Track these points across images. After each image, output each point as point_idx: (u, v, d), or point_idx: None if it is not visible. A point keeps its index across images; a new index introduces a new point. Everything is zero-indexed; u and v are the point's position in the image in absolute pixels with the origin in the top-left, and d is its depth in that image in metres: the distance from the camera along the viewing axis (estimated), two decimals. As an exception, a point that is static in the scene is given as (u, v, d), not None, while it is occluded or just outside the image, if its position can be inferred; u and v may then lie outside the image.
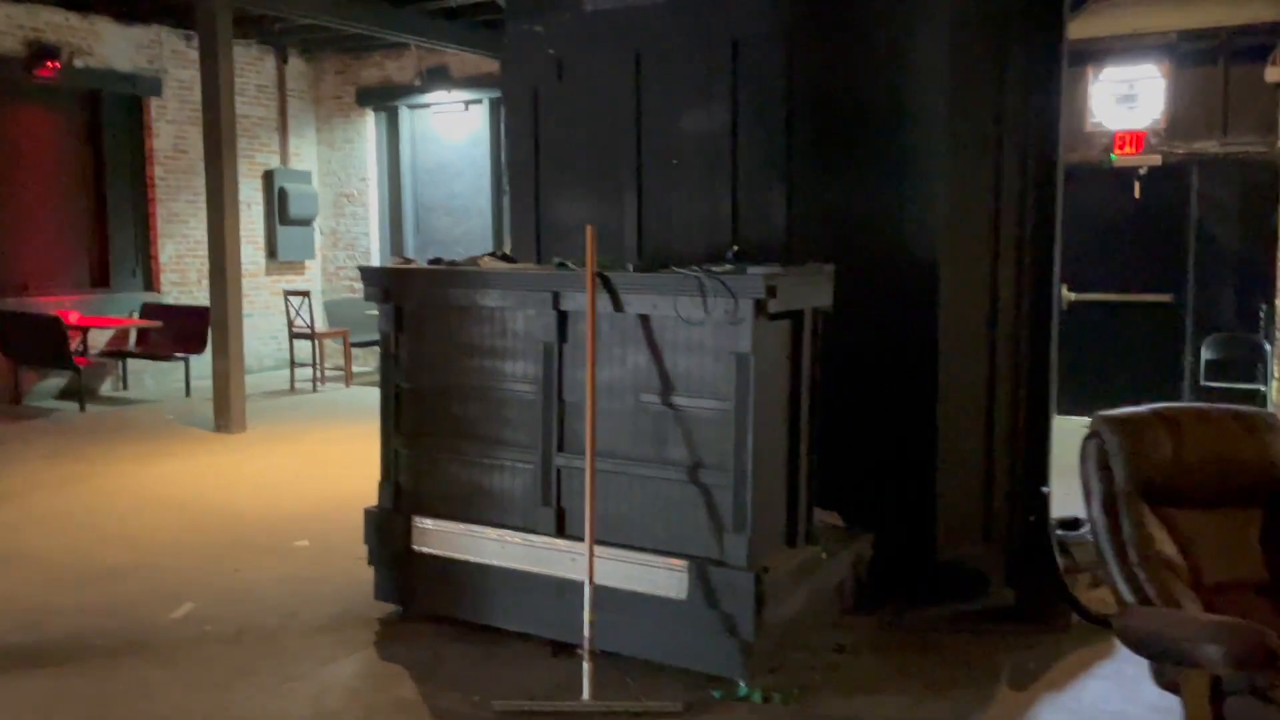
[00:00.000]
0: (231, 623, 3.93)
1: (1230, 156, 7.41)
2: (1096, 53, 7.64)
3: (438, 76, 10.37)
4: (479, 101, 10.23)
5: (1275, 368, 7.21)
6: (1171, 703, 2.46)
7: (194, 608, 4.10)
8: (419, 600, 3.91)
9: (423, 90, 10.51)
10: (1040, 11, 4.38)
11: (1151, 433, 2.88)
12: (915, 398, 4.04)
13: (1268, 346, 7.27)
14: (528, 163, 4.80)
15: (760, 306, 3.15)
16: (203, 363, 8.22)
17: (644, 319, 3.39)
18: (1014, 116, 4.30)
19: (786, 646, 3.47)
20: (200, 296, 9.11)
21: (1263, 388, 7.23)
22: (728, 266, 3.37)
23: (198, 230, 9.38)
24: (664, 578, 3.32)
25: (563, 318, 3.52)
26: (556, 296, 3.51)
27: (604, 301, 3.39)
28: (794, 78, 4.18)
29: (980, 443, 4.26)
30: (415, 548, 3.84)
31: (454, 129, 10.54)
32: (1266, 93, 7.25)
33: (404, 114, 10.83)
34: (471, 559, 3.72)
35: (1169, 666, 2.52)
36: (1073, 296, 7.78)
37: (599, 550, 3.31)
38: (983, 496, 4.26)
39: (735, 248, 3.56)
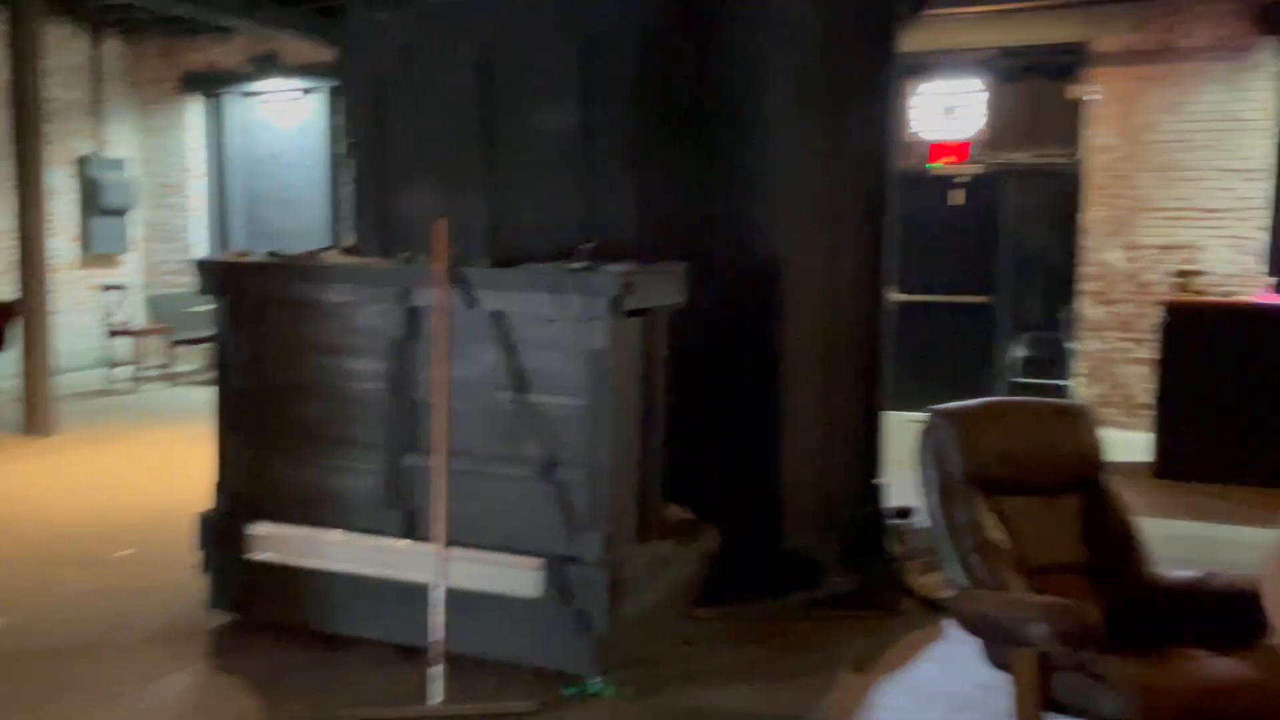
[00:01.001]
0: (50, 637, 3.67)
1: (1039, 167, 7.95)
2: (917, 66, 8.03)
3: (269, 63, 9.95)
4: (315, 90, 9.88)
5: (1077, 365, 7.79)
6: (1002, 680, 2.63)
7: (5, 623, 3.81)
8: (258, 609, 3.75)
9: (253, 77, 10.06)
10: (875, 24, 4.59)
11: (982, 425, 3.07)
12: (760, 394, 4.16)
13: (1071, 345, 7.83)
14: (372, 155, 4.67)
15: (614, 304, 3.17)
16: (7, 361, 7.62)
17: (498, 315, 3.36)
18: (851, 125, 4.47)
19: (640, 641, 3.51)
20: (4, 291, 8.44)
21: (1068, 384, 7.79)
22: (582, 264, 3.38)
23: (2, 220, 8.70)
24: (518, 577, 3.30)
25: (412, 314, 3.45)
26: (406, 292, 3.44)
27: (456, 298, 3.34)
28: (646, 77, 4.22)
29: (820, 437, 4.42)
30: (253, 554, 3.68)
31: (288, 118, 10.14)
32: (1071, 108, 7.80)
33: (233, 101, 10.34)
34: (315, 564, 3.59)
35: (1000, 646, 2.69)
36: (901, 298, 8.16)
37: (451, 551, 3.26)
38: (823, 488, 4.42)
39: (590, 244, 3.56)
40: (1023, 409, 3.21)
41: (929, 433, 3.00)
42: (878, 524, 4.48)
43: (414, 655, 3.36)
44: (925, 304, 8.08)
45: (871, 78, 4.58)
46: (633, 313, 3.35)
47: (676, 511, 3.98)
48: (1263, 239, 7.18)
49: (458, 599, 3.25)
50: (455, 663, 3.21)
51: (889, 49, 4.64)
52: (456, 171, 4.48)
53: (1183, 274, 7.04)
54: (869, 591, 4.12)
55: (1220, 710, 2.31)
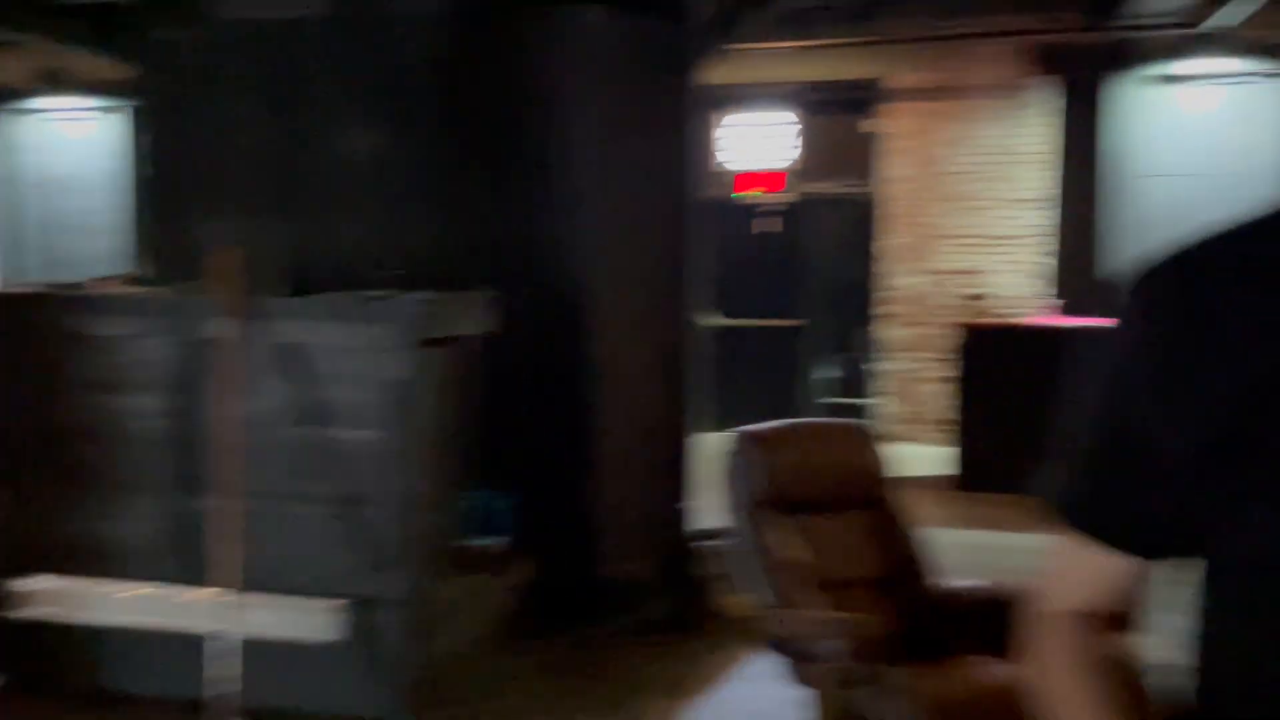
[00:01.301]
0: None
1: (843, 196, 8.32)
2: (723, 99, 8.29)
3: (60, 81, 9.28)
4: (116, 109, 9.28)
5: (878, 385, 8.16)
6: (805, 696, 2.69)
7: None
8: (25, 670, 3.44)
9: (42, 94, 9.37)
10: (675, 57, 4.70)
11: (784, 446, 3.16)
12: (572, 421, 4.15)
13: (872, 366, 8.21)
14: (170, 179, 4.43)
15: (415, 333, 3.10)
16: None
17: (293, 347, 3.22)
18: (654, 153, 4.56)
19: (452, 680, 3.41)
20: None
21: (869, 403, 8.15)
22: (383, 292, 3.29)
23: None
24: (317, 620, 3.15)
25: (198, 347, 3.26)
26: (192, 323, 3.25)
27: (252, 328, 3.18)
28: (451, 103, 4.17)
29: (634, 462, 4.45)
30: (22, 611, 3.37)
31: (84, 139, 9.49)
32: (868, 141, 8.21)
33: (19, 121, 9.59)
34: (93, 619, 3.32)
35: (800, 663, 2.76)
36: (715, 323, 8.37)
37: (246, 598, 3.09)
38: (637, 513, 4.44)
39: (392, 272, 3.48)
40: (817, 430, 3.33)
41: (732, 455, 3.06)
42: (689, 547, 4.53)
43: (205, 710, 3.15)
44: (740, 328, 8.30)
45: (673, 108, 4.68)
46: (436, 341, 3.28)
47: (492, 543, 3.92)
48: (1047, 263, 7.73)
49: (255, 648, 3.08)
50: (255, 716, 3.03)
51: (689, 81, 4.76)
52: (256, 197, 4.29)
53: (972, 297, 7.50)
54: (682, 615, 4.17)
55: (993, 711, 2.43)
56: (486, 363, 3.61)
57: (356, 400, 3.17)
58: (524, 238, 4.20)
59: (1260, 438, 0.70)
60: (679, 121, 4.69)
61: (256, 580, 3.15)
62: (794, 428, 3.27)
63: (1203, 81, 7.26)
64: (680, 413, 4.71)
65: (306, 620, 3.15)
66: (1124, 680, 0.78)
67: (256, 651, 3.09)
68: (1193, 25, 6.81)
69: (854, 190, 8.30)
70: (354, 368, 3.17)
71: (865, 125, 8.20)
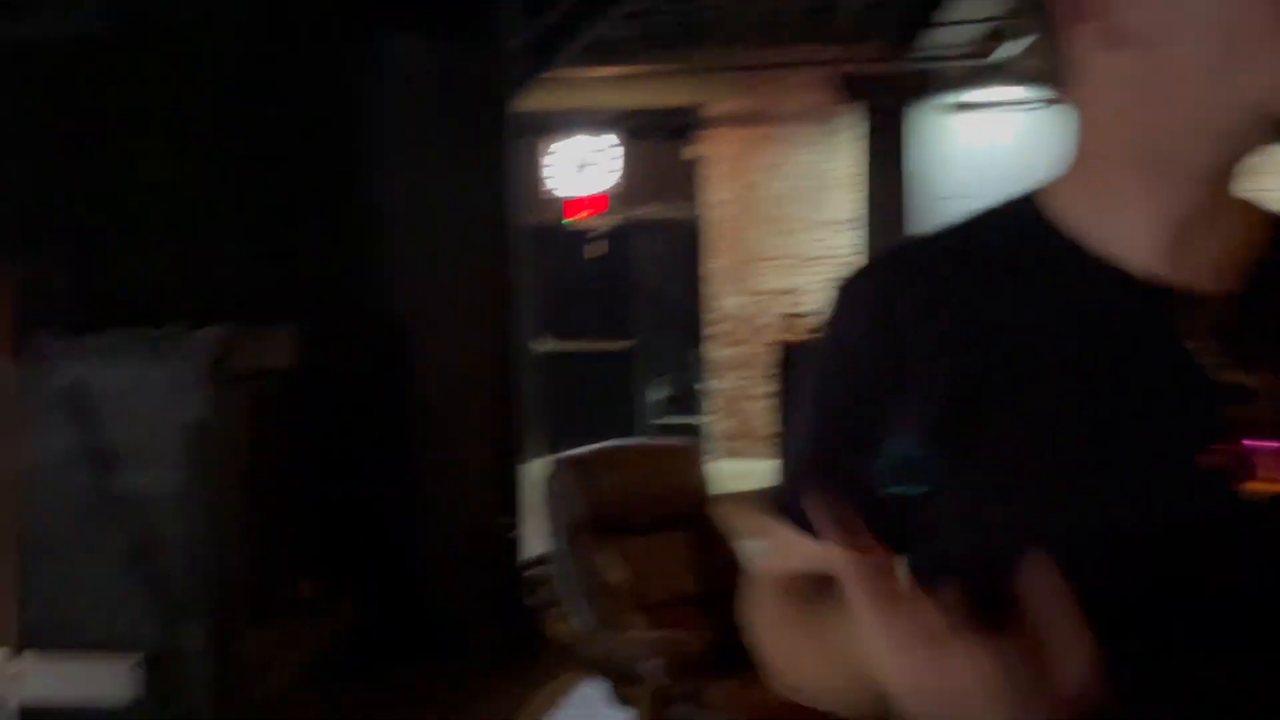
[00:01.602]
0: None
1: (667, 220, 8.46)
2: (549, 124, 8.33)
3: None
4: None
5: (708, 404, 8.32)
6: (628, 718, 2.69)
7: None
8: None
9: None
10: (493, 83, 4.68)
11: (602, 470, 3.16)
12: (393, 454, 4.04)
13: (702, 385, 8.36)
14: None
15: (213, 370, 2.95)
16: None
17: (78, 388, 3.01)
18: (473, 179, 4.52)
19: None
20: None
21: (701, 421, 8.29)
22: (177, 328, 3.12)
23: None
24: (110, 679, 2.94)
25: (-30, 392, 3.01)
26: (-40, 367, 2.99)
27: (29, 368, 2.96)
28: (259, 128, 4.01)
29: (463, 491, 4.37)
30: None
31: None
32: (690, 166, 8.40)
33: None
34: None
35: (623, 684, 2.76)
36: (544, 347, 8.35)
37: (23, 658, 2.85)
38: (463, 544, 4.36)
39: (194, 304, 3.30)
40: (639, 451, 3.35)
41: (551, 480, 3.04)
42: (521, 576, 4.48)
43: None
44: (570, 352, 8.31)
45: (493, 135, 4.66)
46: (239, 378, 3.13)
47: (309, 586, 3.76)
48: (857, 283, 8.08)
49: (39, 714, 2.84)
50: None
51: (507, 108, 4.75)
52: (35, 227, 4.00)
53: (790, 316, 7.75)
54: (514, 645, 4.10)
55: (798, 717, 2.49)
56: (297, 399, 3.48)
57: (149, 443, 2.99)
58: (337, 268, 4.08)
59: (962, 432, 0.73)
60: (499, 148, 4.67)
61: (40, 639, 2.92)
62: (613, 450, 3.27)
63: (993, 109, 7.77)
64: (510, 439, 4.66)
65: (96, 679, 2.93)
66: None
67: (39, 718, 2.85)
68: (983, 56, 7.28)
69: (680, 214, 8.46)
70: (145, 409, 2.98)
71: (688, 151, 8.39)
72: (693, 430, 7.93)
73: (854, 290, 0.82)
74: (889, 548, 0.79)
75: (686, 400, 8.35)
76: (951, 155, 7.86)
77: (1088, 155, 0.78)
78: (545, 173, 8.50)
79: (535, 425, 8.28)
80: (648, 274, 8.56)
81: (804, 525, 0.80)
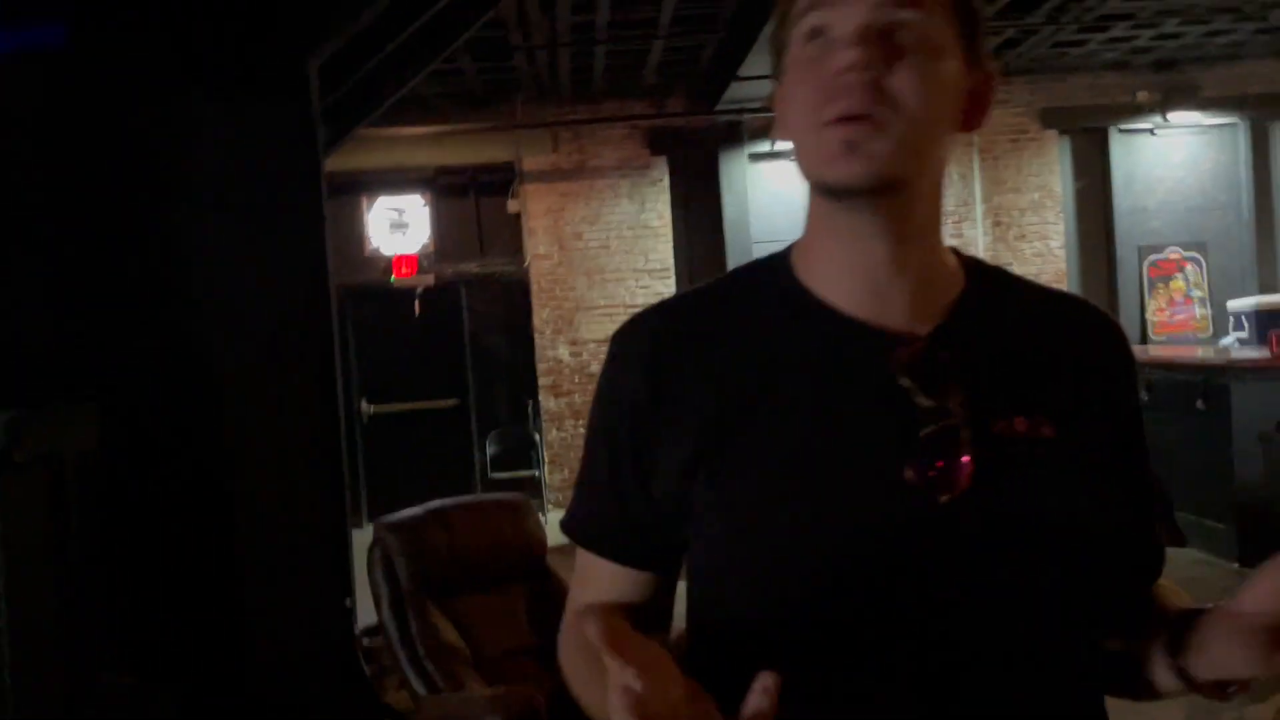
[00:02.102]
0: None
1: (490, 275, 8.49)
2: (370, 183, 8.25)
3: None
4: None
5: (543, 455, 8.34)
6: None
7: None
8: None
9: None
10: (302, 143, 4.62)
11: (428, 532, 3.14)
12: (214, 529, 3.88)
13: (536, 437, 8.38)
14: None
15: (2, 458, 2.78)
16: None
17: None
18: (286, 240, 4.43)
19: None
20: None
21: (537, 473, 8.30)
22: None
23: None
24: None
25: None
26: None
27: None
28: (56, 189, 3.83)
29: (287, 563, 4.23)
30: None
31: None
32: (511, 221, 8.47)
33: None
34: None
35: (463, 746, 2.74)
36: (371, 409, 8.18)
37: None
38: (294, 617, 4.21)
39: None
40: (467, 509, 3.35)
41: (375, 547, 3.00)
42: (353, 646, 4.36)
43: None
44: (399, 413, 8.18)
45: (306, 195, 4.59)
46: (32, 463, 2.96)
47: (123, 680, 3.55)
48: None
49: None
50: None
51: (320, 167, 4.70)
52: None
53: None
54: (352, 718, 3.98)
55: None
56: (104, 479, 3.30)
57: (-66, 539, 2.79)
58: (146, 338, 3.91)
59: (711, 465, 0.84)
60: (314, 208, 4.60)
61: None
62: (439, 511, 3.26)
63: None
64: (338, 507, 4.54)
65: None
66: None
67: None
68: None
69: (506, 268, 8.50)
70: (-71, 503, 2.78)
71: (510, 205, 8.46)
72: (529, 482, 7.92)
73: (625, 338, 0.92)
74: (665, 578, 0.89)
75: (521, 453, 8.34)
76: (760, 202, 8.23)
77: (808, 215, 0.90)
78: (369, 231, 8.39)
79: (366, 490, 8.11)
80: (477, 329, 8.54)
81: (599, 548, 0.91)
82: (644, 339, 0.90)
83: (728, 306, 0.91)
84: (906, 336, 0.86)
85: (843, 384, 0.85)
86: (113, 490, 3.40)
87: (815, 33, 0.83)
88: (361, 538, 4.59)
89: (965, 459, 0.81)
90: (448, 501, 3.28)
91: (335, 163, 6.63)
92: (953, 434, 0.82)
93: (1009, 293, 0.94)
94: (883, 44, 0.81)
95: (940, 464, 0.81)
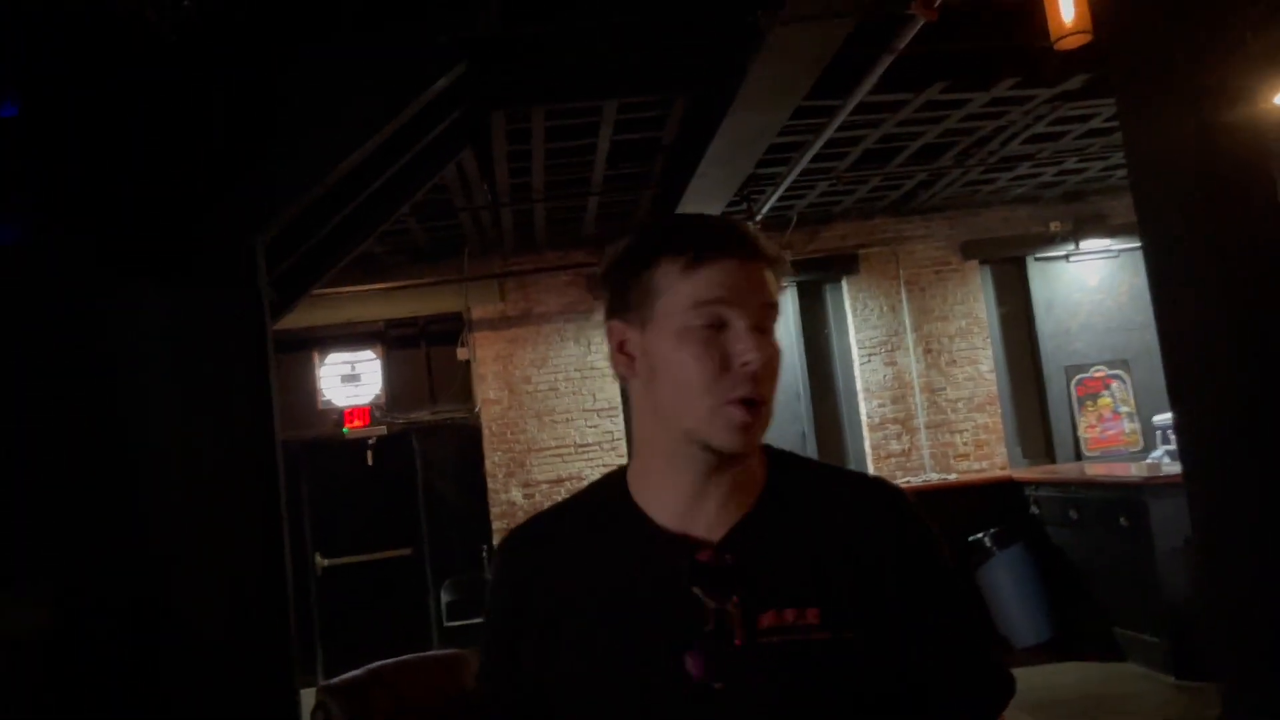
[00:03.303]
0: None
1: (442, 423, 8.65)
2: (321, 339, 8.47)
3: None
4: None
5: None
6: None
7: None
8: None
9: None
10: (247, 318, 4.82)
11: (372, 693, 3.21)
12: (161, 698, 3.90)
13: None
14: None
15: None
16: None
17: None
18: (242, 407, 4.58)
19: None
20: None
21: (494, 619, 8.27)
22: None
23: None
24: None
25: None
26: None
27: None
28: (17, 375, 3.97)
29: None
30: None
31: None
32: (462, 368, 8.69)
33: None
34: None
35: None
36: (325, 562, 8.19)
37: None
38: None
39: None
40: (409, 667, 3.42)
41: (318, 711, 3.07)
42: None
43: None
44: (353, 564, 8.19)
45: (251, 363, 4.76)
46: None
47: None
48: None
49: None
50: None
51: (265, 337, 4.89)
52: None
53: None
54: None
55: None
56: (51, 656, 3.36)
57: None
58: (92, 515, 4.01)
59: (550, 660, 1.02)
60: (260, 376, 4.78)
61: None
62: (381, 670, 3.34)
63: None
64: (288, 667, 4.57)
65: None
66: None
67: None
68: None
69: (457, 415, 8.67)
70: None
71: (460, 354, 8.70)
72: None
73: (502, 553, 1.14)
74: None
75: (477, 599, 8.34)
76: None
77: (638, 441, 1.11)
78: (321, 386, 8.56)
79: (322, 645, 8.04)
80: (430, 476, 8.65)
81: None
82: (506, 556, 1.13)
83: (572, 521, 1.12)
84: (704, 543, 1.05)
85: (648, 588, 1.04)
86: (61, 666, 3.46)
87: (718, 322, 1.04)
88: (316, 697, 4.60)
89: (737, 646, 1.00)
90: (389, 662, 3.36)
91: (288, 321, 6.86)
92: (728, 630, 1.00)
93: (802, 484, 1.11)
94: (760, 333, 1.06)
95: (715, 656, 0.99)
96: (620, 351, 1.10)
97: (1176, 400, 2.09)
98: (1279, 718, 2.00)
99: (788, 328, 8.80)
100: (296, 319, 7.04)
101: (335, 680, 3.13)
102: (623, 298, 1.07)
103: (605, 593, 1.03)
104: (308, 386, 8.56)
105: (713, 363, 1.02)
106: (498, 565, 1.14)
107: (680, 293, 1.04)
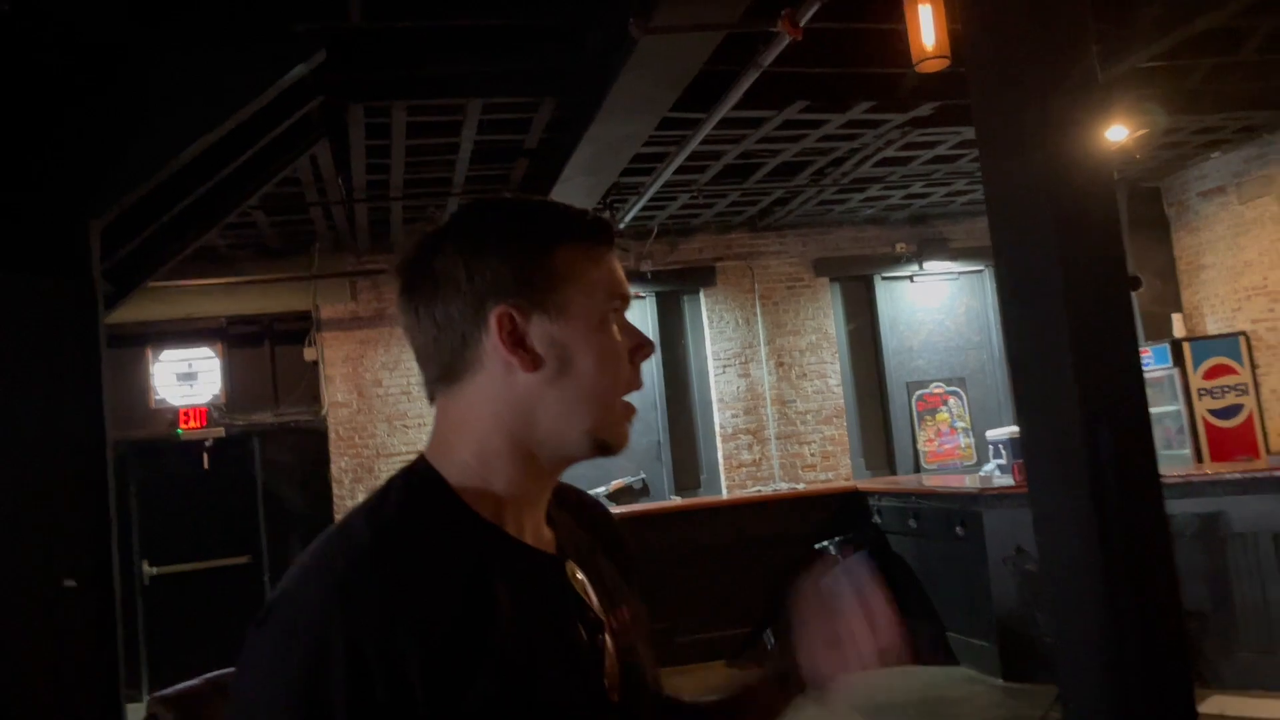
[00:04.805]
0: None
1: (286, 425, 8.33)
2: (156, 335, 8.03)
3: None
4: None
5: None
6: None
7: None
8: None
9: None
10: (78, 306, 4.52)
11: (207, 705, 3.05)
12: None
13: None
14: None
15: None
16: None
17: None
18: (66, 404, 4.29)
19: None
20: None
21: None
22: None
23: None
24: None
25: None
26: None
27: None
28: None
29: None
30: None
31: None
32: (308, 369, 8.39)
33: None
34: None
35: None
36: (154, 571, 7.75)
37: None
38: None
39: None
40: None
41: (149, 725, 2.89)
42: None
43: None
44: (185, 573, 7.78)
45: (81, 354, 4.47)
46: None
47: None
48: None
49: None
50: None
51: (96, 327, 4.60)
52: None
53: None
54: None
55: None
56: None
57: None
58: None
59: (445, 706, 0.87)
60: (91, 366, 4.49)
61: None
62: (218, 681, 3.17)
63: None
64: (113, 680, 4.30)
65: None
66: None
67: None
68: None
69: (302, 417, 8.36)
70: None
71: (307, 354, 8.40)
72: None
73: (324, 623, 0.89)
74: None
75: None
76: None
77: (485, 442, 0.98)
78: (155, 384, 8.11)
79: (148, 658, 7.61)
80: (271, 481, 8.30)
81: None
82: (355, 619, 0.86)
83: (416, 553, 0.91)
84: (549, 553, 0.99)
85: (538, 606, 0.94)
86: None
87: (619, 313, 0.99)
88: (141, 712, 4.34)
89: (614, 652, 0.98)
90: (229, 671, 3.19)
91: (120, 315, 6.48)
92: (603, 637, 0.98)
93: (561, 498, 1.07)
94: None
95: (611, 667, 0.97)
96: (514, 342, 0.95)
97: (1022, 415, 2.19)
98: (1106, 716, 2.12)
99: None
100: (128, 312, 6.65)
101: (169, 690, 2.95)
102: (520, 280, 0.95)
103: (504, 620, 0.91)
104: (139, 384, 8.09)
105: (624, 356, 0.98)
106: (334, 633, 0.86)
107: (593, 281, 0.97)
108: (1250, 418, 7.77)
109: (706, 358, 8.92)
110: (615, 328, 0.98)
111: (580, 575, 0.99)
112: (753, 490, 8.54)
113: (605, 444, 0.97)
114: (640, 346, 1.00)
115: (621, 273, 1.01)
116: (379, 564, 0.89)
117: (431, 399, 1.02)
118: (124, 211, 4.64)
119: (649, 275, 8.70)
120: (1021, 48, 2.09)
